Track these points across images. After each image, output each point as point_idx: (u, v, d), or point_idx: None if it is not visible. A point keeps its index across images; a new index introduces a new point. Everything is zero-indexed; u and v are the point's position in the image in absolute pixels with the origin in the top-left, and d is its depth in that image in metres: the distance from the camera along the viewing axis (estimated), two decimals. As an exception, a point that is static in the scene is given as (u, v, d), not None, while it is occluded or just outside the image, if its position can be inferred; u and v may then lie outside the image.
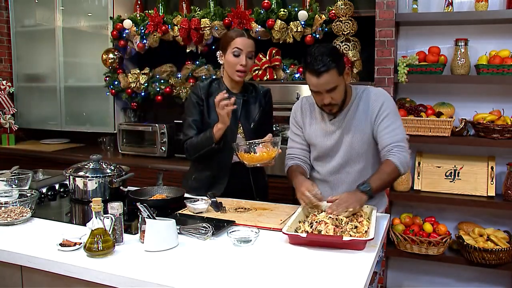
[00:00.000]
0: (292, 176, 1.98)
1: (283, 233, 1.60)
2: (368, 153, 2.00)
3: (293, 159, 2.09)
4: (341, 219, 1.68)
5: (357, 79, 3.09)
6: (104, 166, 2.20)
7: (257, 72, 3.29)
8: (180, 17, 3.50)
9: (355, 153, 1.99)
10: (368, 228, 1.65)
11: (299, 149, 2.11)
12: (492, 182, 2.89)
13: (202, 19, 3.40)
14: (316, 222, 1.67)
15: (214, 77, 2.45)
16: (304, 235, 1.57)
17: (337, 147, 2.01)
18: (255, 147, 1.93)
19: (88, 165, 2.20)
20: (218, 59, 2.20)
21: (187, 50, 3.56)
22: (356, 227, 1.64)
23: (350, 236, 1.59)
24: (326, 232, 1.61)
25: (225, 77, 2.23)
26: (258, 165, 1.95)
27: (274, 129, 3.05)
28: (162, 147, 3.63)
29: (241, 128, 2.20)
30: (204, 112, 2.19)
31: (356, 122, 1.97)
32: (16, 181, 2.16)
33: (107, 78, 3.87)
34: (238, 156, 1.97)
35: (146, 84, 3.73)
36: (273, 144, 1.95)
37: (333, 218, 1.68)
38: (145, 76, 3.74)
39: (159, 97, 3.69)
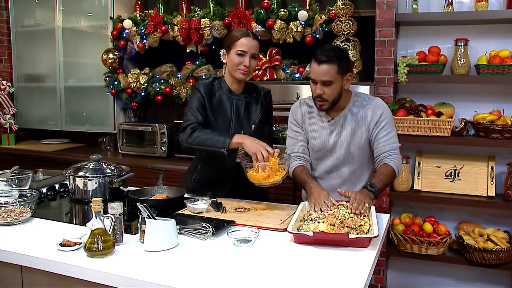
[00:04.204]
0: (302, 179, 2.01)
1: (289, 232, 1.61)
2: (361, 156, 2.09)
3: (297, 158, 2.11)
4: (343, 215, 1.69)
5: (357, 79, 3.09)
6: (104, 166, 2.20)
7: (257, 72, 3.29)
8: (180, 17, 3.50)
9: (351, 154, 2.07)
10: (370, 225, 1.66)
11: (301, 146, 2.14)
12: (492, 182, 2.89)
13: (202, 19, 3.40)
14: (318, 222, 1.68)
15: (215, 76, 2.40)
16: (310, 234, 1.57)
17: (334, 147, 2.08)
18: (264, 166, 1.88)
19: (88, 165, 2.20)
20: (221, 57, 2.15)
21: (187, 50, 3.56)
22: (361, 225, 1.65)
23: (356, 232, 1.60)
24: (330, 228, 1.62)
25: (227, 77, 2.19)
26: (267, 185, 1.91)
27: (274, 129, 3.04)
28: (162, 147, 3.63)
29: (242, 131, 2.16)
30: (208, 112, 2.13)
31: (354, 126, 2.05)
32: (16, 181, 2.16)
33: (107, 78, 3.87)
34: (247, 176, 1.92)
35: (146, 84, 3.73)
36: (281, 161, 1.91)
37: (335, 216, 1.69)
38: (145, 76, 3.74)
39: (159, 97, 3.69)
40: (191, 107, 2.12)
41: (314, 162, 2.16)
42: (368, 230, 1.63)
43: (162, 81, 3.70)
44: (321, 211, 1.79)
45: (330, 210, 1.79)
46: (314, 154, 2.14)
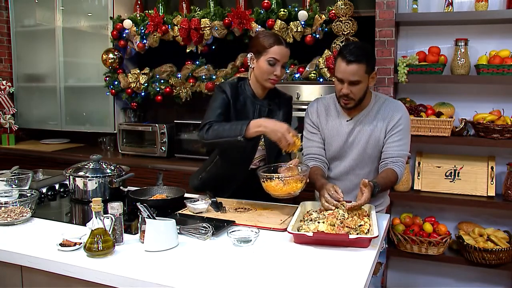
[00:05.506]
0: (313, 179, 1.96)
1: (289, 232, 1.61)
2: (377, 158, 2.06)
3: (313, 159, 2.09)
4: (343, 215, 1.70)
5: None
6: (104, 166, 2.20)
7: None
8: (180, 17, 3.50)
9: (367, 156, 2.05)
10: (370, 226, 1.66)
11: (317, 147, 2.11)
12: (492, 182, 2.89)
13: (202, 19, 3.40)
14: (318, 222, 1.68)
15: (239, 76, 2.27)
16: (310, 234, 1.57)
17: (351, 148, 2.06)
18: (283, 177, 1.83)
19: (88, 165, 2.20)
20: (248, 62, 2.07)
21: (187, 50, 3.56)
22: (361, 225, 1.65)
23: (356, 232, 1.61)
24: (330, 228, 1.62)
25: (252, 81, 2.11)
26: (285, 197, 1.85)
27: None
28: (162, 147, 3.63)
29: (262, 139, 2.09)
30: (231, 114, 2.05)
31: (372, 127, 2.03)
32: (16, 181, 2.16)
33: (107, 78, 3.87)
34: (263, 186, 1.86)
35: (146, 84, 3.73)
36: (300, 172, 1.85)
37: (335, 216, 1.69)
38: (145, 76, 3.74)
39: (159, 97, 3.69)
40: (213, 106, 2.04)
41: (330, 162, 2.13)
42: (368, 230, 1.63)
43: (162, 81, 3.70)
44: (336, 207, 1.76)
45: (338, 201, 1.77)
46: (330, 154, 2.11)
